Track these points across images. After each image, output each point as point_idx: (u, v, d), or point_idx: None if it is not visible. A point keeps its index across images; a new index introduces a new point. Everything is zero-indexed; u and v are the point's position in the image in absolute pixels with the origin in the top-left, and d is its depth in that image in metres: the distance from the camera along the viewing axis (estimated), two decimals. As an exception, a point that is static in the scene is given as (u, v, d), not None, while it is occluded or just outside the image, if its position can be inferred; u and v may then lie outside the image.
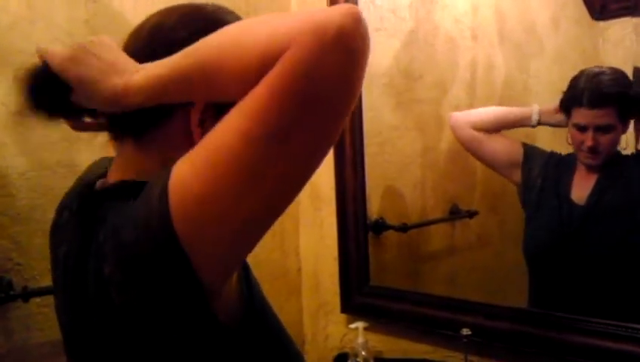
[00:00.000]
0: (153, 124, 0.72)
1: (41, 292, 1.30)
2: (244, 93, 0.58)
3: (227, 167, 0.58)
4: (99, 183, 0.78)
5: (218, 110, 0.67)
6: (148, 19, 0.76)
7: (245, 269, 0.75)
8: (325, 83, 0.57)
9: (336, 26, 0.56)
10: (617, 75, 1.34)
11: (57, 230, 0.81)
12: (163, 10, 0.76)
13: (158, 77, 0.64)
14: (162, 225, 0.59)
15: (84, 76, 0.67)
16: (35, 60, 0.72)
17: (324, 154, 0.63)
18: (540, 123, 1.45)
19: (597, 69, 1.37)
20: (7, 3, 1.31)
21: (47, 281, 1.31)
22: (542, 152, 1.48)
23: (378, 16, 1.74)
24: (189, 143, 0.66)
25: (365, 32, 0.58)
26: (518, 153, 1.49)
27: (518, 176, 1.50)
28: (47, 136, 1.34)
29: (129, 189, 0.68)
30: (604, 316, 1.25)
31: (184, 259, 0.60)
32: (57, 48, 0.70)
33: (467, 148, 1.58)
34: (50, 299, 1.32)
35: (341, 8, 0.58)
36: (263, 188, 0.60)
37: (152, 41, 0.73)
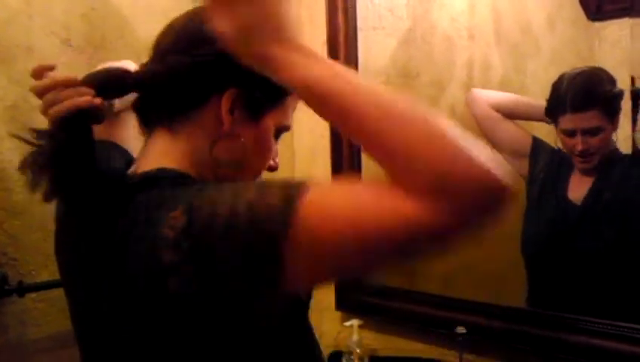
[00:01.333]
0: (185, 112, 0.75)
1: (37, 287, 1.30)
2: (384, 161, 0.60)
3: (354, 233, 0.60)
4: (131, 171, 0.78)
5: (247, 100, 0.74)
6: (176, 20, 0.79)
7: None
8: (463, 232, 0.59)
9: (500, 204, 0.59)
10: (598, 74, 1.34)
11: (73, 222, 0.79)
12: (189, 13, 0.79)
13: (328, 87, 0.64)
14: (270, 242, 0.60)
15: (243, 27, 0.67)
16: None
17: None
18: None
19: (577, 71, 1.37)
20: (5, -3, 1.31)
21: (42, 276, 1.31)
22: (549, 148, 1.47)
23: (376, 15, 1.75)
24: (218, 131, 0.73)
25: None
26: (527, 144, 1.48)
27: (524, 167, 1.49)
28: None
29: (176, 178, 0.71)
30: (599, 315, 1.26)
31: (275, 273, 0.60)
32: None
33: (480, 124, 1.55)
34: (46, 294, 1.32)
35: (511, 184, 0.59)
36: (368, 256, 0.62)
37: (179, 39, 0.77)
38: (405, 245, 0.60)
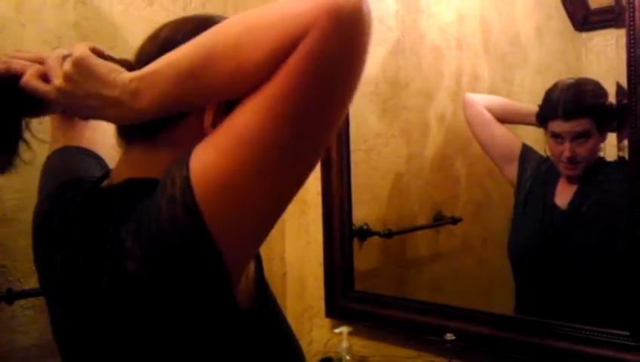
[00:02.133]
0: (165, 126, 0.73)
1: (26, 294, 1.29)
2: (258, 84, 0.61)
3: (251, 148, 0.61)
4: (105, 183, 0.78)
5: (229, 114, 0.70)
6: (162, 29, 0.77)
7: (260, 266, 0.76)
8: (344, 62, 0.60)
9: (351, 7, 0.58)
10: (591, 85, 1.36)
11: (49, 233, 0.80)
12: (172, 23, 0.78)
13: (164, 94, 0.65)
14: (189, 215, 0.61)
15: (85, 111, 0.71)
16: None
17: (334, 131, 0.66)
18: None
19: (571, 80, 1.40)
20: (-4, 5, 1.32)
21: (31, 283, 1.31)
22: (538, 155, 1.49)
23: (365, 25, 1.76)
24: (200, 142, 0.70)
25: (370, 9, 0.61)
26: (516, 148, 1.51)
27: (512, 172, 1.51)
28: (33, 136, 1.33)
29: (141, 186, 0.70)
30: (585, 322, 1.27)
31: (211, 245, 0.62)
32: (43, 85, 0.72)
33: (473, 127, 1.58)
34: (35, 302, 1.32)
35: None
36: (284, 166, 0.63)
37: (164, 49, 0.73)
38: (300, 113, 0.61)
